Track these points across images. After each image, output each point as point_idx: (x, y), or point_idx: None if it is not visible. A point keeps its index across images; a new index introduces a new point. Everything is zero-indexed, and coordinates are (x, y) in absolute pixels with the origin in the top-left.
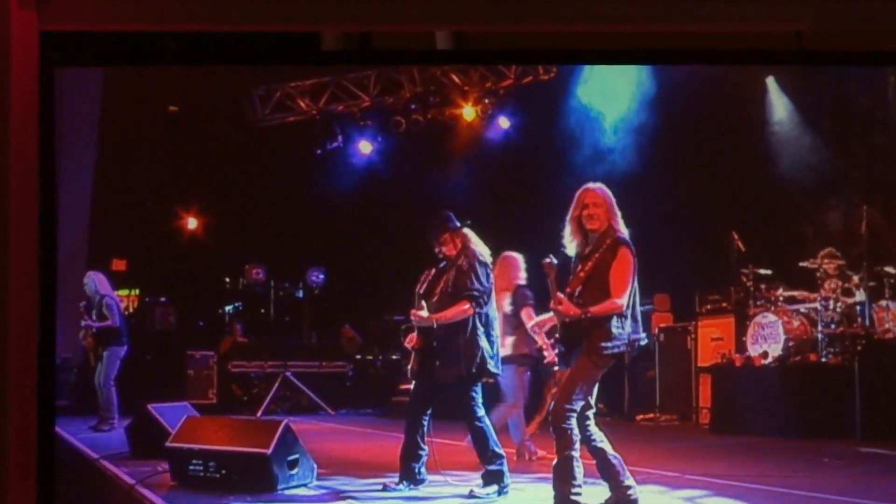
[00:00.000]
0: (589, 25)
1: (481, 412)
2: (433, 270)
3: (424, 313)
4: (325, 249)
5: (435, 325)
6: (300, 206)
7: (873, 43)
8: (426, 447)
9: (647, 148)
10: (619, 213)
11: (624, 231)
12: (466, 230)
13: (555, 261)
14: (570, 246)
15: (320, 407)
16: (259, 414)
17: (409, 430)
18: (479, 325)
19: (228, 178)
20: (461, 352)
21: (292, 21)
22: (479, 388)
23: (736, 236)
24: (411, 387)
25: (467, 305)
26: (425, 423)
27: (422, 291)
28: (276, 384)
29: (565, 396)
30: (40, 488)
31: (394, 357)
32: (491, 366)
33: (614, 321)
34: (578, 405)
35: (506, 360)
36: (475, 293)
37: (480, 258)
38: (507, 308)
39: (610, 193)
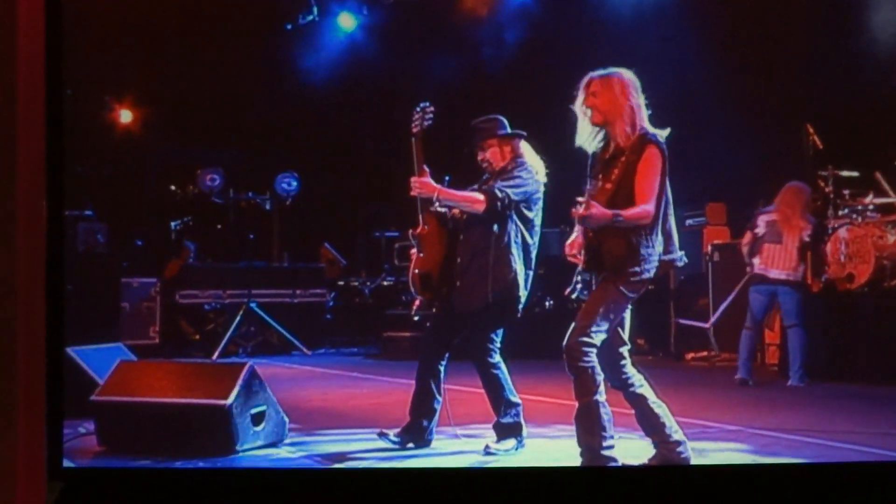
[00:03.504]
0: None
1: (497, 357)
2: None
3: (427, 180)
4: (297, 149)
5: (437, 201)
6: (266, 96)
7: None
8: (441, 398)
9: (695, 19)
10: (637, 104)
11: (647, 126)
12: (522, 141)
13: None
14: (584, 140)
15: (294, 346)
16: (215, 356)
17: (422, 376)
18: (512, 243)
19: (173, 60)
20: (489, 274)
21: None
22: (500, 329)
23: (811, 129)
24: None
25: (482, 200)
26: (442, 367)
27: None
28: (238, 318)
29: (582, 329)
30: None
31: (385, 283)
32: (523, 296)
33: (641, 238)
34: (599, 339)
35: (793, 285)
36: (496, 192)
37: (526, 168)
38: (806, 238)
39: (624, 80)
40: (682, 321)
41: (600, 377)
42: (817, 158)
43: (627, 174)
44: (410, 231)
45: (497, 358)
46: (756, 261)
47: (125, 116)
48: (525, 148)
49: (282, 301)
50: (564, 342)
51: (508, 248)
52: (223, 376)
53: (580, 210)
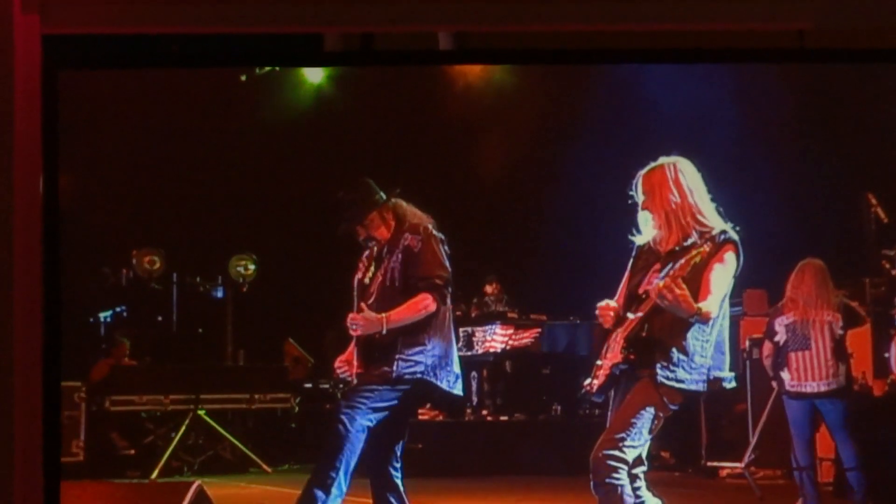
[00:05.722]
0: (589, 25)
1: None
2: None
3: (369, 314)
4: (255, 227)
5: (385, 331)
6: (216, 162)
7: (878, 40)
8: None
9: (727, 86)
10: (694, 194)
11: (718, 220)
12: (398, 202)
13: None
14: (645, 235)
15: (251, 461)
16: (155, 475)
17: (377, 489)
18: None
19: (103, 115)
20: (396, 349)
21: (295, 23)
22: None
23: (873, 200)
24: None
25: (430, 299)
26: (397, 476)
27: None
28: (183, 428)
29: (614, 441)
30: None
31: None
32: (435, 376)
33: (698, 342)
34: (632, 455)
35: (836, 394)
36: (438, 282)
37: (434, 231)
38: (839, 331)
39: (670, 172)
40: (711, 463)
41: (631, 499)
42: (880, 235)
43: (699, 269)
44: (336, 363)
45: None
46: (785, 376)
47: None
48: (406, 207)
49: (237, 408)
50: (592, 454)
51: (445, 329)
52: (163, 501)
53: (662, 288)
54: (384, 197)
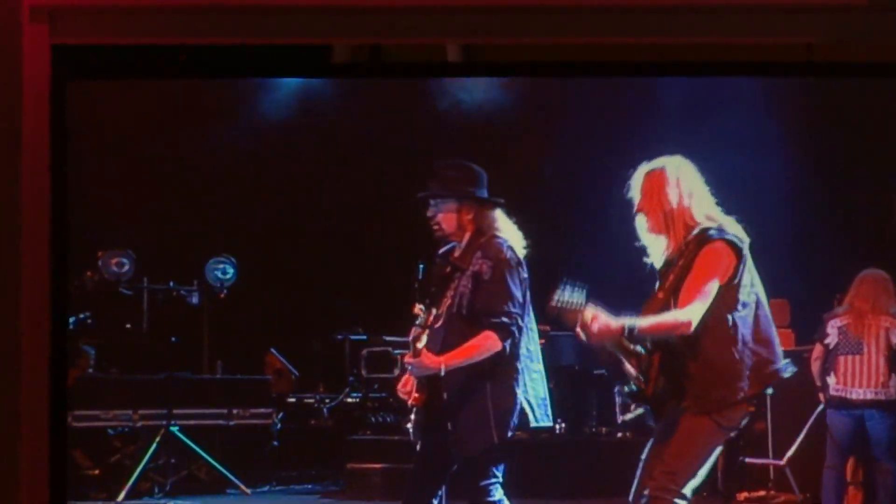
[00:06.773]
0: (598, 38)
1: (499, 493)
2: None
3: (426, 358)
4: (234, 228)
5: (443, 373)
6: (192, 159)
7: (887, 54)
8: None
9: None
10: (689, 198)
11: (707, 221)
12: (487, 212)
13: None
14: (653, 251)
15: (229, 482)
16: (122, 497)
17: None
18: (516, 360)
19: (68, 107)
20: (489, 408)
21: (303, 34)
22: (503, 463)
23: None
24: (418, 447)
25: (494, 338)
26: None
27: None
28: (153, 446)
29: (673, 475)
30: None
31: (350, 400)
32: (535, 418)
33: (726, 353)
34: (690, 488)
35: (884, 407)
36: (504, 320)
37: (509, 255)
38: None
39: (668, 173)
40: (750, 459)
41: None
42: None
43: (681, 278)
44: (400, 387)
45: (499, 495)
46: (831, 380)
47: None
48: (497, 217)
49: (213, 424)
50: (645, 491)
51: (511, 373)
52: None
53: (581, 329)
54: (476, 194)
